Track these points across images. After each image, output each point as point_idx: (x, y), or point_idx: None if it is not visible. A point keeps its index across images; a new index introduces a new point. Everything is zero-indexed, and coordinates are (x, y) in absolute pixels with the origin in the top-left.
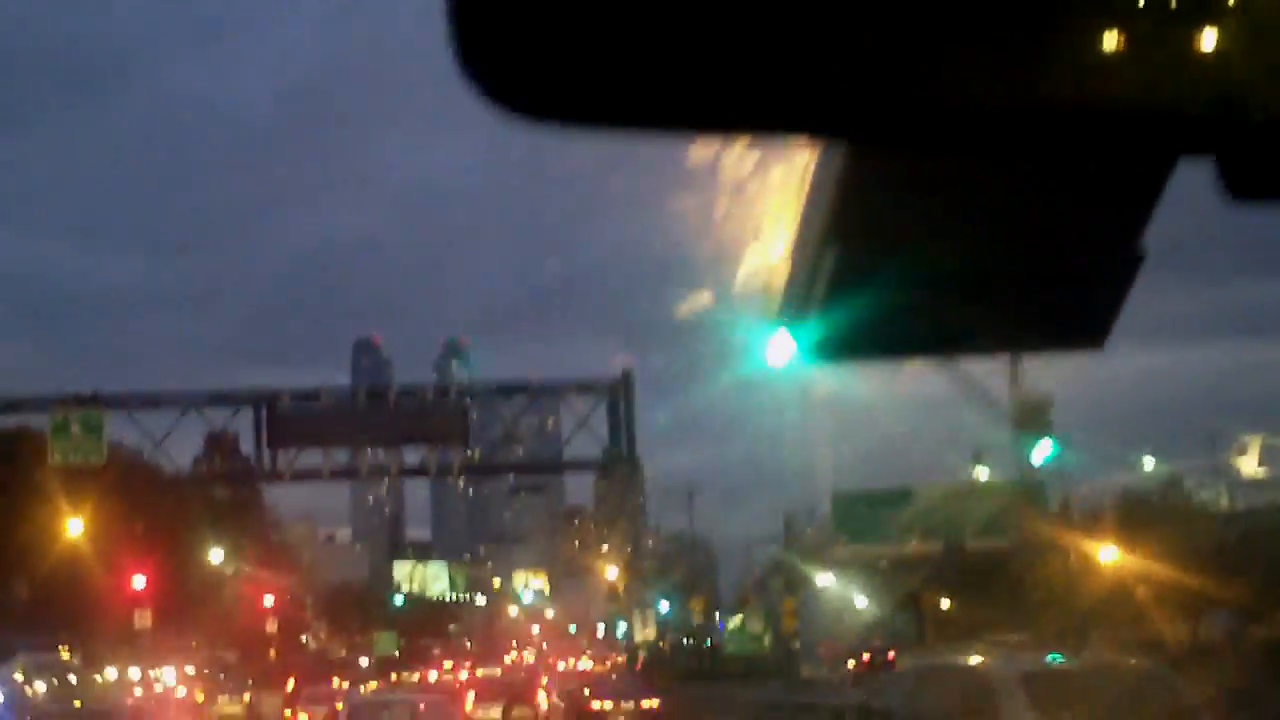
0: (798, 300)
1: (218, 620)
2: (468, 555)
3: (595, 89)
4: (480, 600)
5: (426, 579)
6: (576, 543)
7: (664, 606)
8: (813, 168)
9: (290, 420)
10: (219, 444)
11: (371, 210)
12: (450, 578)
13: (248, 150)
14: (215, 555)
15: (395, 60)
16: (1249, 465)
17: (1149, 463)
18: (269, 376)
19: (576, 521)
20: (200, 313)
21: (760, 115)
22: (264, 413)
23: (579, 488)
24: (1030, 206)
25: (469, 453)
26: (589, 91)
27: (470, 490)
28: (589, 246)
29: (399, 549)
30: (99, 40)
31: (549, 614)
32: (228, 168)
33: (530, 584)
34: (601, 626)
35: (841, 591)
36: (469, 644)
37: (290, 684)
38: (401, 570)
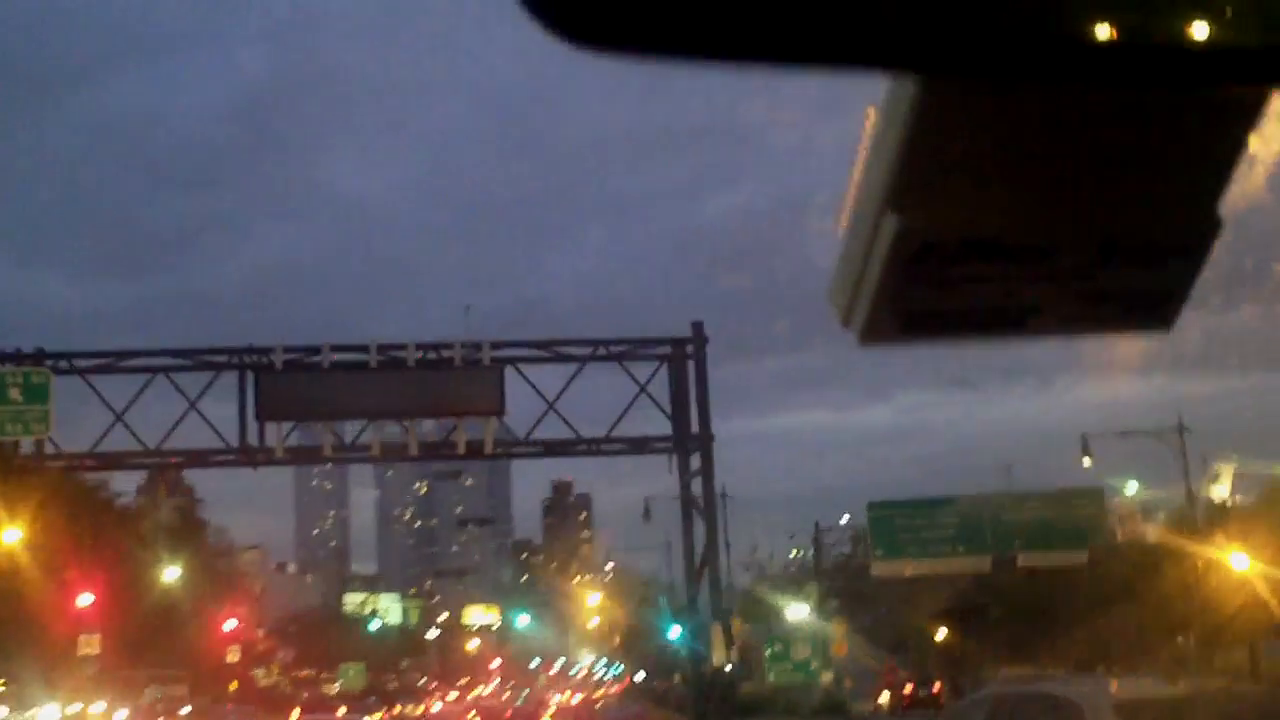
0: (853, 273)
1: (170, 648)
2: (414, 589)
3: (653, 14)
4: (433, 633)
5: (380, 612)
6: (526, 576)
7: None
8: (870, 130)
9: (285, 387)
10: (162, 476)
11: (316, 230)
12: (404, 610)
13: (188, 168)
14: (170, 573)
15: (342, 80)
16: None
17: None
18: (208, 409)
19: (525, 555)
20: (137, 334)
21: (819, 41)
22: (250, 378)
23: (527, 521)
24: (1104, 173)
25: (502, 422)
26: (645, 17)
27: (418, 523)
28: (533, 277)
29: (347, 582)
30: (37, 55)
31: (508, 648)
32: (168, 186)
33: (478, 617)
34: (582, 659)
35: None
36: (422, 679)
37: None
38: (353, 603)
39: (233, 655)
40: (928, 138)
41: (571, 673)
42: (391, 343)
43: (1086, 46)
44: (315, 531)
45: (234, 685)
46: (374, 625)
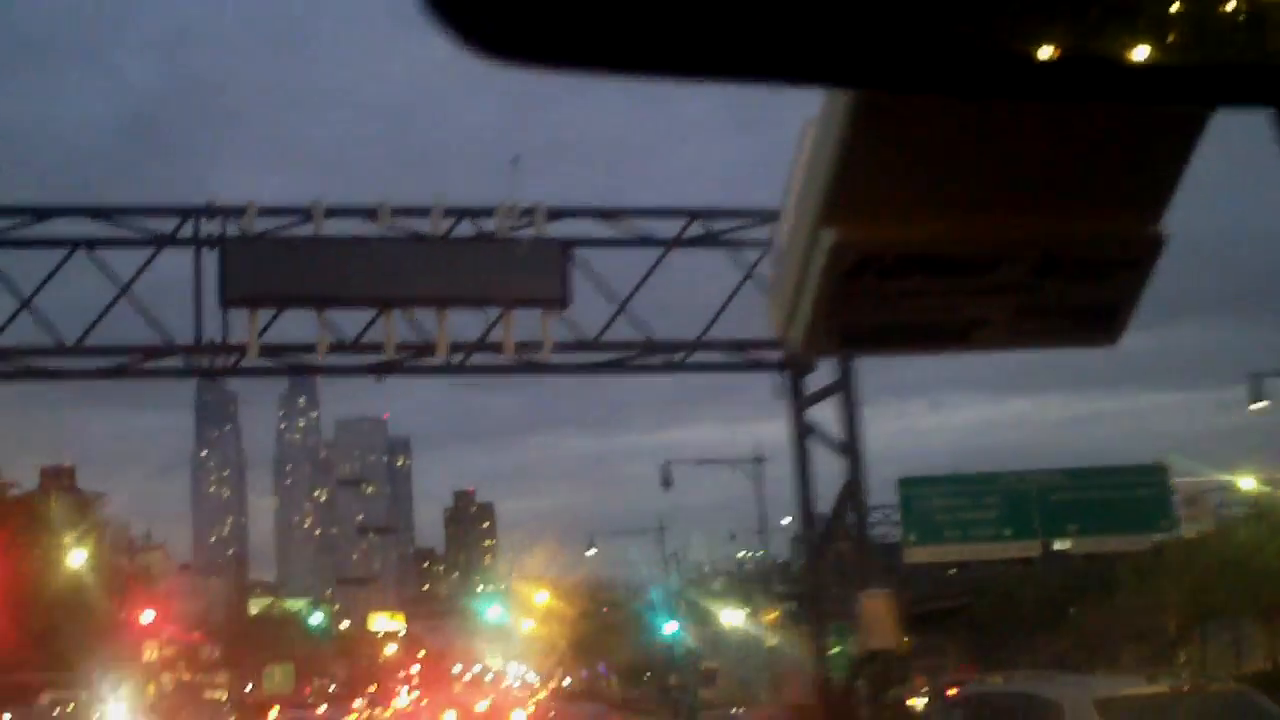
0: (790, 287)
1: (73, 649)
2: (312, 598)
3: (569, 24)
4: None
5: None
6: (427, 585)
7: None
8: (807, 143)
9: (262, 261)
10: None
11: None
12: (323, 614)
13: (77, 177)
14: (74, 561)
15: (228, 90)
16: None
17: None
18: (102, 415)
19: (427, 564)
20: None
21: (751, 54)
22: (207, 255)
23: (429, 530)
24: (1045, 186)
25: (563, 314)
26: (564, 27)
27: (318, 531)
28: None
29: (248, 588)
30: None
31: (420, 654)
32: (57, 194)
33: (382, 624)
34: (497, 666)
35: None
36: (331, 685)
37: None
38: (258, 607)
39: (150, 653)
40: (864, 151)
41: (487, 679)
42: (409, 205)
43: (1026, 62)
44: (213, 539)
45: (151, 687)
46: (316, 620)
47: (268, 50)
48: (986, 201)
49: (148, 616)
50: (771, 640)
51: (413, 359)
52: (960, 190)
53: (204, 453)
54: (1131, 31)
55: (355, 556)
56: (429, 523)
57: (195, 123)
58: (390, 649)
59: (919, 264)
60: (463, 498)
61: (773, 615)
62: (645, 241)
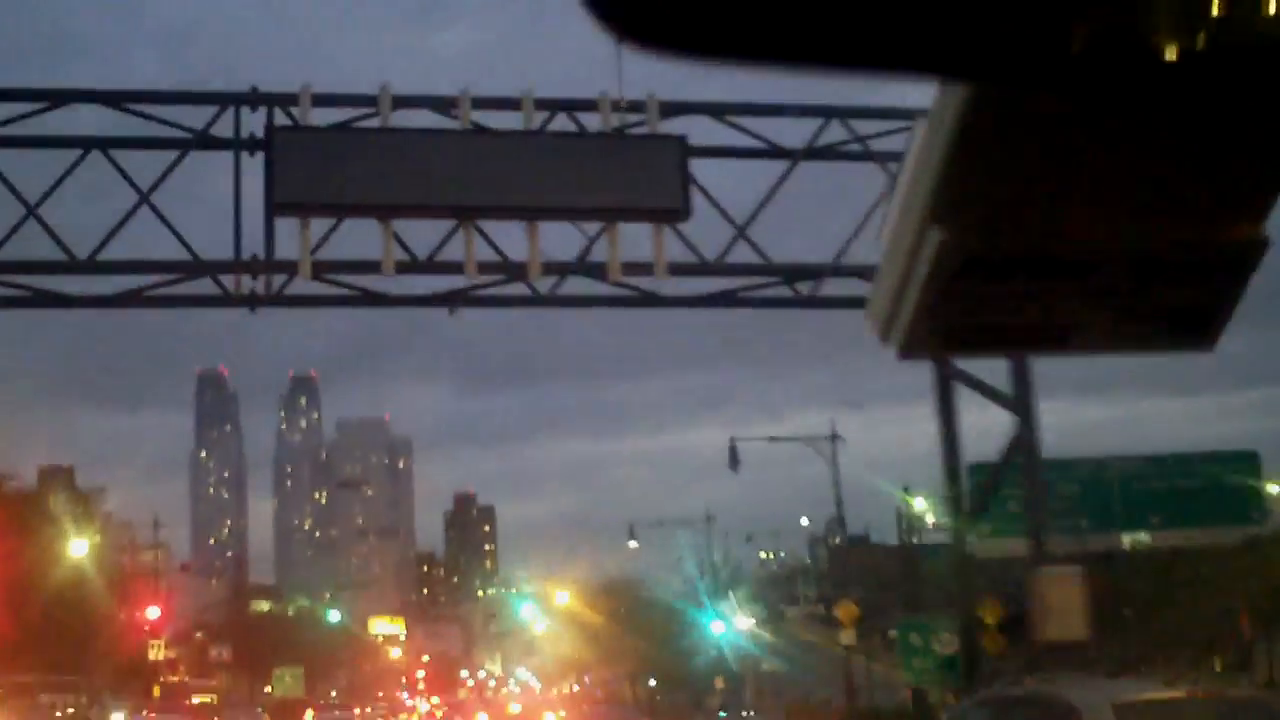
0: (893, 287)
1: (73, 649)
2: (311, 601)
3: (713, 19)
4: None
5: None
6: (425, 590)
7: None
8: (917, 143)
9: (316, 161)
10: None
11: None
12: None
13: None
14: (75, 551)
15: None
16: None
17: None
18: (100, 416)
19: (426, 568)
20: (19, 348)
21: (881, 49)
22: (246, 159)
23: (429, 532)
24: (1147, 189)
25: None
26: (707, 22)
27: (317, 534)
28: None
29: (248, 591)
30: None
31: (424, 658)
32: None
33: (382, 628)
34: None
35: None
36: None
37: None
38: (260, 608)
39: (155, 652)
40: (974, 151)
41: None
42: (494, 96)
43: (1139, 62)
44: (211, 541)
45: (156, 689)
46: (334, 618)
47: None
48: (1091, 204)
49: (153, 613)
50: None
51: (497, 283)
52: (1066, 193)
53: (203, 454)
54: (1252, 32)
55: (355, 560)
56: (429, 525)
57: None
58: (394, 653)
59: (1023, 266)
60: (464, 500)
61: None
62: (767, 153)
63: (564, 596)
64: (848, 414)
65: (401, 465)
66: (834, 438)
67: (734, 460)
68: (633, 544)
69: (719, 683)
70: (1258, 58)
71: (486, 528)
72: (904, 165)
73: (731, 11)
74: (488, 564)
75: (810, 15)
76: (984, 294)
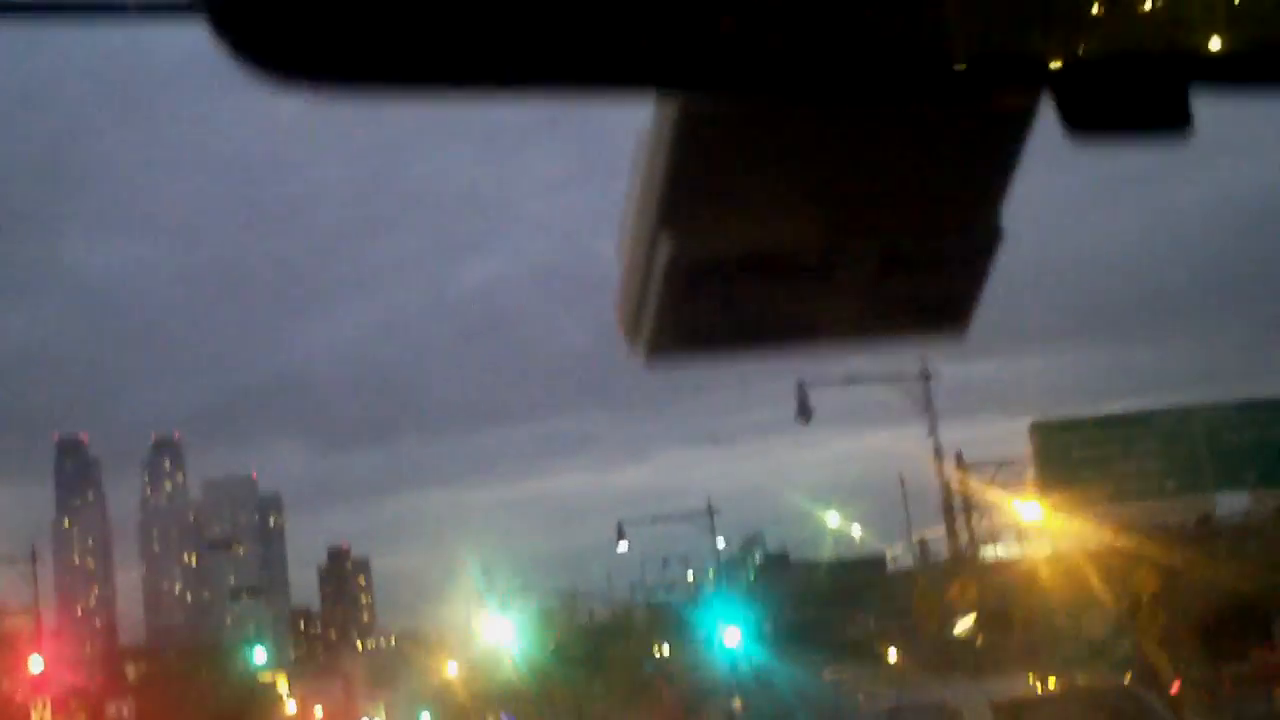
0: (634, 293)
1: None
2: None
3: (358, 38)
4: None
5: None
6: (304, 647)
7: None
8: (641, 151)
9: None
10: None
11: (62, 308)
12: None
13: None
14: None
15: (76, 155)
16: None
17: None
18: None
19: (303, 624)
20: None
21: (590, 66)
22: None
23: (304, 588)
24: (880, 184)
25: None
26: (353, 42)
27: (188, 596)
28: (290, 350)
29: (121, 656)
30: None
31: (318, 710)
32: None
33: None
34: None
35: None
36: None
37: None
38: (136, 670)
39: (40, 713)
40: (697, 156)
41: None
42: None
43: (850, 63)
44: (79, 611)
45: None
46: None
47: (114, 115)
48: (823, 201)
49: (36, 665)
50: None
51: None
52: (794, 193)
53: (65, 521)
54: (953, 27)
55: (229, 620)
56: (304, 582)
57: (42, 190)
58: (291, 707)
59: (760, 265)
60: (337, 554)
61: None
62: None
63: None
64: (709, 450)
65: (272, 523)
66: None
67: (804, 412)
68: (622, 546)
69: (738, 704)
70: (967, 63)
71: (362, 580)
72: (632, 171)
73: (396, 33)
74: (365, 616)
75: (490, 34)
76: (724, 295)
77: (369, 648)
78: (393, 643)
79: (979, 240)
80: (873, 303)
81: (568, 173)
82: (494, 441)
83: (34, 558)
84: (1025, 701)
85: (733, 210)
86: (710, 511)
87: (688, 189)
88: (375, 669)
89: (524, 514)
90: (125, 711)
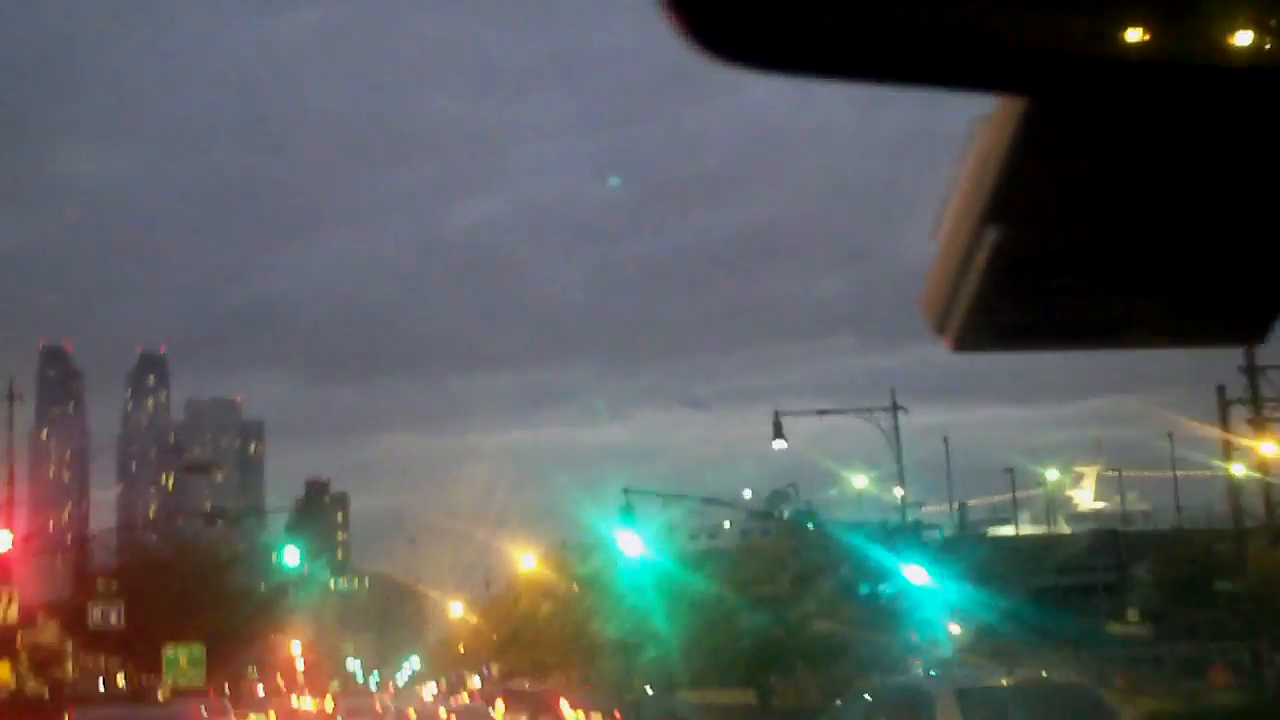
0: (948, 283)
1: None
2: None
3: (788, 37)
4: None
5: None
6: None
7: None
8: (976, 144)
9: None
10: None
11: (53, 216)
12: None
13: None
14: None
15: (76, 62)
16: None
17: None
18: None
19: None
20: None
21: (942, 64)
22: None
23: (281, 519)
24: (1197, 189)
25: None
26: (782, 39)
27: (162, 517)
28: (272, 275)
29: (90, 575)
30: None
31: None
32: None
33: None
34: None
35: None
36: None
37: None
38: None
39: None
40: (1032, 154)
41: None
42: None
43: (1188, 73)
44: (50, 526)
45: None
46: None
47: (117, 22)
48: (1142, 203)
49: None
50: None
51: None
52: (1119, 192)
53: (44, 433)
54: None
55: (202, 546)
56: (280, 513)
57: (42, 95)
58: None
59: (1076, 263)
60: (317, 487)
61: None
62: None
63: (529, 560)
64: (689, 414)
65: (253, 450)
66: (898, 408)
67: (778, 433)
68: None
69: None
70: None
71: (340, 516)
72: (961, 165)
73: (804, 28)
74: (339, 554)
75: (879, 34)
76: (1038, 289)
77: (342, 586)
78: (366, 584)
79: None
80: (1178, 306)
81: (566, 118)
82: (476, 387)
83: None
84: (990, 690)
85: (1058, 207)
86: (895, 407)
87: (1019, 185)
88: (350, 610)
89: (498, 464)
90: (114, 616)
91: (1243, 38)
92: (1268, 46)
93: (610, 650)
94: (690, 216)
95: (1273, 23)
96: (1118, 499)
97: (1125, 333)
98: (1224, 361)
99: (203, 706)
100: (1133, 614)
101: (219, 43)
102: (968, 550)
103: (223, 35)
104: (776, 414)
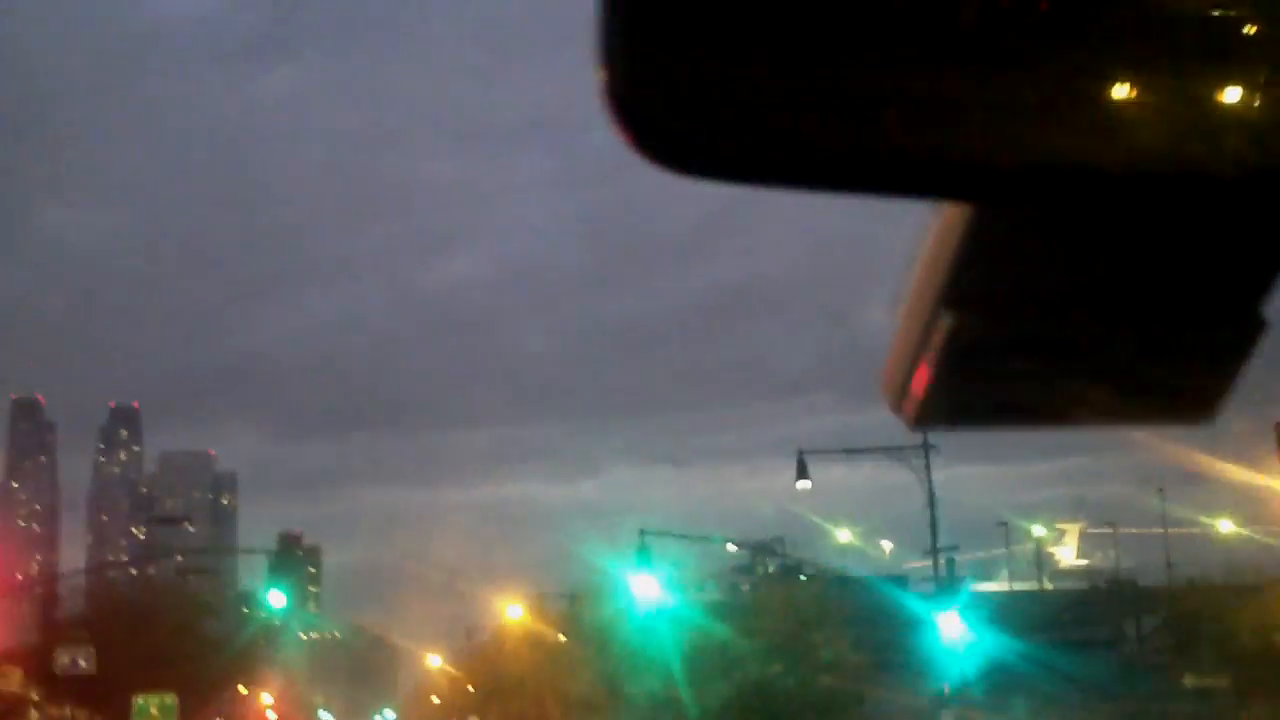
0: (906, 365)
1: None
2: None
3: (730, 145)
4: None
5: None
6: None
7: None
8: (932, 233)
9: None
10: None
11: (27, 269)
12: None
13: None
14: None
15: (52, 119)
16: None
17: None
18: None
19: (247, 609)
20: None
21: (886, 176)
22: None
23: (254, 573)
24: (1146, 274)
25: None
26: (724, 147)
27: (134, 571)
28: (248, 333)
29: (59, 628)
30: None
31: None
32: None
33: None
34: None
35: None
36: None
37: None
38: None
39: None
40: (982, 247)
41: None
42: None
43: (1131, 177)
44: (18, 576)
45: None
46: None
47: (90, 86)
48: (1093, 289)
49: None
50: None
51: None
52: (1070, 279)
53: (14, 484)
54: (1240, 145)
55: (178, 589)
56: (253, 565)
57: (17, 156)
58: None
59: (1028, 347)
60: (289, 540)
61: None
62: None
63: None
64: (664, 470)
65: (226, 503)
66: (928, 446)
67: (802, 473)
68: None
69: None
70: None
71: (312, 569)
72: (917, 250)
73: (747, 136)
74: (311, 606)
75: (826, 146)
76: (992, 372)
77: (313, 638)
78: (337, 635)
79: (1239, 334)
80: (1129, 389)
81: (544, 179)
82: (449, 443)
83: None
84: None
85: (1011, 294)
86: (926, 445)
87: (973, 273)
88: (322, 662)
89: (472, 520)
90: (83, 662)
91: (1193, 138)
92: (1213, 151)
93: (603, 704)
94: (667, 275)
95: (1212, 130)
96: (1099, 556)
97: (1077, 413)
98: None
99: None
100: (1189, 677)
101: (197, 100)
102: (963, 603)
103: (200, 93)
104: (801, 453)
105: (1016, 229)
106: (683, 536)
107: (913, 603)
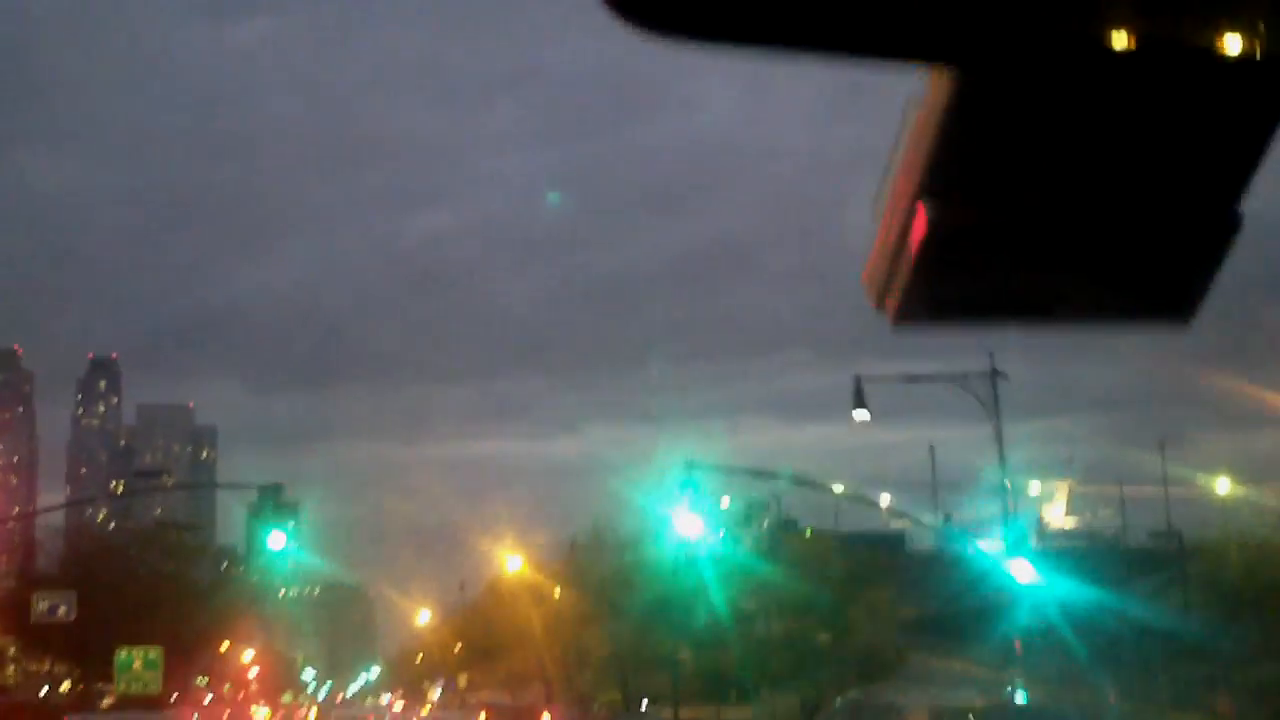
0: (886, 259)
1: None
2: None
3: (713, 6)
4: None
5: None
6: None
7: None
8: (908, 121)
9: None
10: None
11: (4, 220)
12: None
13: None
14: None
15: (29, 68)
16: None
17: None
18: None
19: (227, 564)
20: None
21: (871, 37)
22: None
23: (232, 527)
24: (1128, 167)
25: None
26: (707, 7)
27: (112, 525)
28: (226, 285)
29: (35, 582)
30: None
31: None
32: None
33: None
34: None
35: None
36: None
37: None
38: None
39: None
40: (963, 130)
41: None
42: None
43: (1114, 50)
44: None
45: None
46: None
47: (76, 34)
48: (1074, 180)
49: None
50: None
51: None
52: (1050, 168)
53: None
54: (1220, 22)
55: (155, 551)
56: (232, 519)
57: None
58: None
59: (1008, 236)
60: (268, 492)
61: None
62: None
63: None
64: (642, 426)
65: (205, 456)
66: (996, 373)
67: (859, 402)
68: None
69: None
70: (1230, 60)
71: (291, 524)
72: (896, 142)
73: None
74: (291, 561)
75: (808, 5)
76: (973, 264)
77: (293, 595)
78: (315, 592)
79: (1216, 231)
80: (1108, 282)
81: (522, 132)
82: (429, 397)
83: None
84: (959, 709)
85: (990, 184)
86: (994, 372)
87: (951, 161)
88: (302, 619)
89: (451, 476)
90: (63, 608)
91: (1175, 19)
92: (1197, 28)
93: (608, 660)
94: (645, 231)
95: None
96: (1088, 515)
97: (1058, 309)
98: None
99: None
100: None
101: (174, 50)
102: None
103: (178, 43)
104: (858, 379)
105: (996, 116)
106: (737, 471)
107: (980, 557)
